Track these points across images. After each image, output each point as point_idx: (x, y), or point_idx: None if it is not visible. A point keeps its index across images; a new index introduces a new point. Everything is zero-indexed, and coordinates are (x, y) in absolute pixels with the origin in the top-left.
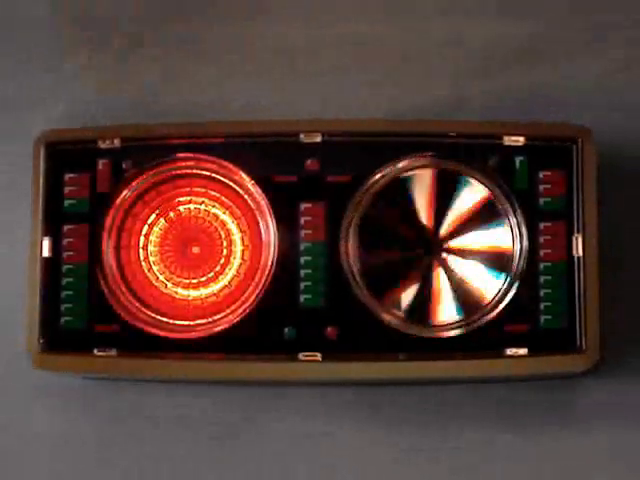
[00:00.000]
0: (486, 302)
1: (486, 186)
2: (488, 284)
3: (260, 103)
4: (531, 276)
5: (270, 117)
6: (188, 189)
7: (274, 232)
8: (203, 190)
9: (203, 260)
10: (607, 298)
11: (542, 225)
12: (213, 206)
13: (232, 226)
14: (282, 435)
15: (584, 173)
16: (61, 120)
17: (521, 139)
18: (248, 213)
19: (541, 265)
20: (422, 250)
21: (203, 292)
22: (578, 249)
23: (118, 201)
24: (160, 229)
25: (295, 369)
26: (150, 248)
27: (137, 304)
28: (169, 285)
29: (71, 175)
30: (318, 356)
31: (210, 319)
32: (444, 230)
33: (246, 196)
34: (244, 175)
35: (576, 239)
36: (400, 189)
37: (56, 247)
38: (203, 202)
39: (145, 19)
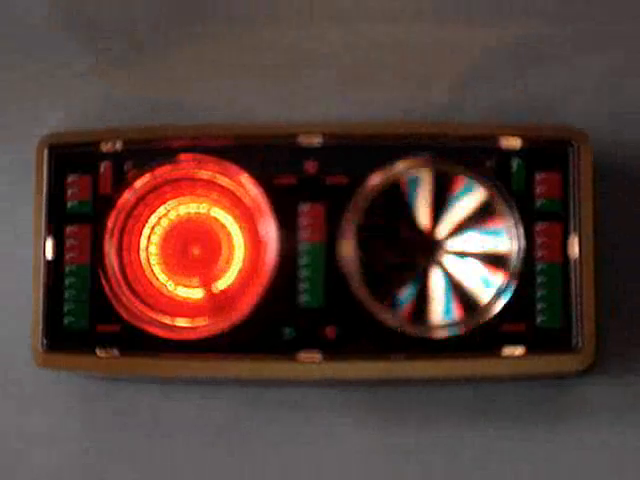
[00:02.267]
0: (483, 302)
1: (483, 187)
2: (485, 285)
3: (260, 105)
4: (528, 276)
5: (269, 119)
6: (189, 191)
7: (274, 233)
8: (204, 192)
9: (204, 261)
10: (603, 299)
11: (538, 226)
12: (214, 208)
13: (232, 228)
14: (281, 435)
15: (580, 175)
16: (63, 122)
17: (518, 141)
18: (248, 215)
19: (538, 266)
20: (420, 251)
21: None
22: (574, 250)
23: (120, 203)
24: (161, 231)
25: (294, 369)
26: (151, 249)
27: (139, 304)
28: (170, 286)
29: (73, 177)
30: (317, 356)
31: (210, 320)
32: (442, 231)
33: (246, 198)
34: (244, 177)
35: (572, 240)
36: (398, 190)
37: (58, 248)
38: (204, 204)
39: (146, 21)
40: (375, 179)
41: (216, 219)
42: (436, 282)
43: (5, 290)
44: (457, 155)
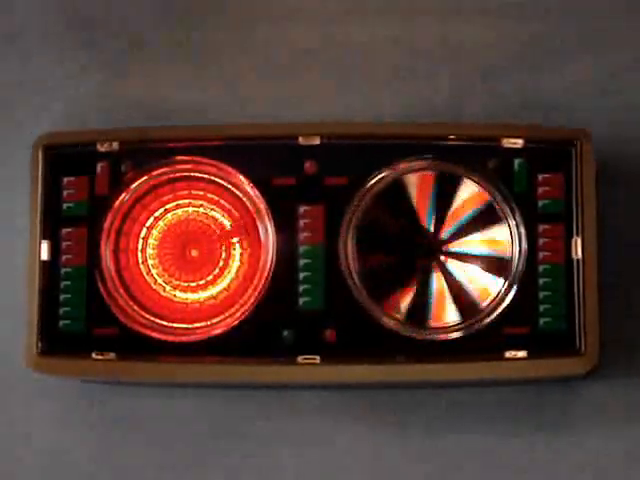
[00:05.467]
0: (484, 305)
1: (485, 188)
2: (486, 288)
3: (258, 105)
4: (530, 278)
5: (268, 120)
6: (187, 192)
7: (273, 235)
8: (202, 193)
9: (202, 263)
10: (606, 300)
11: (541, 227)
12: (212, 209)
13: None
14: (281, 438)
15: (583, 175)
16: (60, 123)
17: (520, 142)
18: (247, 216)
19: (540, 267)
20: (421, 253)
21: (202, 295)
22: (577, 251)
23: (117, 204)
24: (159, 232)
25: (294, 372)
26: (149, 251)
27: (136, 307)
28: (167, 288)
29: (70, 178)
30: (317, 359)
31: (209, 322)
32: (443, 233)
33: (245, 199)
34: (243, 178)
35: (575, 241)
36: (399, 191)
37: (55, 250)
38: (202, 205)
39: (144, 21)
40: (375, 179)
41: (214, 220)
42: (437, 284)
43: (1, 292)
44: (458, 156)
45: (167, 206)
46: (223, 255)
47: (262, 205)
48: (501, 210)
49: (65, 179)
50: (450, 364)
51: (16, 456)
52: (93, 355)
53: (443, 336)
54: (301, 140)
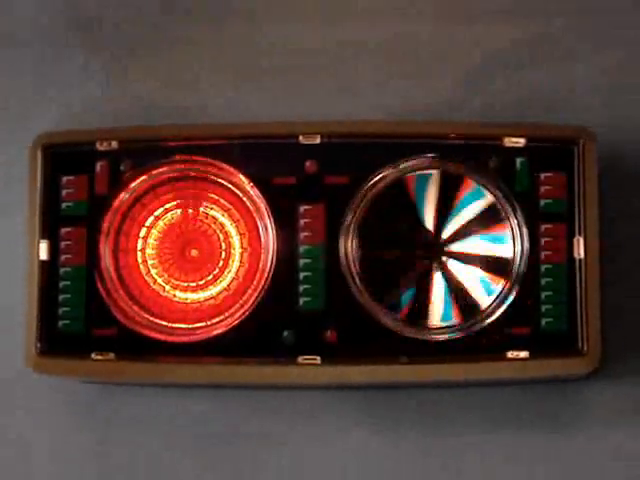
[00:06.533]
0: (486, 305)
1: (487, 188)
2: (487, 287)
3: (258, 105)
4: (532, 278)
5: (269, 119)
6: (187, 191)
7: (273, 234)
8: (202, 192)
9: (202, 263)
10: (608, 300)
11: (543, 227)
12: (212, 209)
13: (231, 228)
14: (281, 439)
15: (585, 175)
16: (59, 122)
17: (522, 140)
18: (247, 215)
19: (542, 267)
20: (422, 253)
21: (202, 295)
22: (579, 251)
23: (116, 203)
24: (158, 232)
25: (294, 372)
26: (148, 251)
27: (135, 307)
28: (167, 288)
29: (69, 177)
30: (317, 359)
31: (209, 322)
32: (444, 233)
33: (245, 198)
34: (243, 177)
35: (577, 241)
36: (399, 191)
37: (54, 250)
38: (202, 205)
39: (143, 21)
40: (376, 179)
41: (214, 220)
42: (437, 284)
43: (0, 292)
44: (460, 155)
45: (167, 205)
46: (223, 255)
47: (262, 205)
48: (502, 211)
49: (64, 178)
50: (451, 364)
51: (16, 456)
52: (92, 355)
53: (444, 336)
54: (301, 139)
